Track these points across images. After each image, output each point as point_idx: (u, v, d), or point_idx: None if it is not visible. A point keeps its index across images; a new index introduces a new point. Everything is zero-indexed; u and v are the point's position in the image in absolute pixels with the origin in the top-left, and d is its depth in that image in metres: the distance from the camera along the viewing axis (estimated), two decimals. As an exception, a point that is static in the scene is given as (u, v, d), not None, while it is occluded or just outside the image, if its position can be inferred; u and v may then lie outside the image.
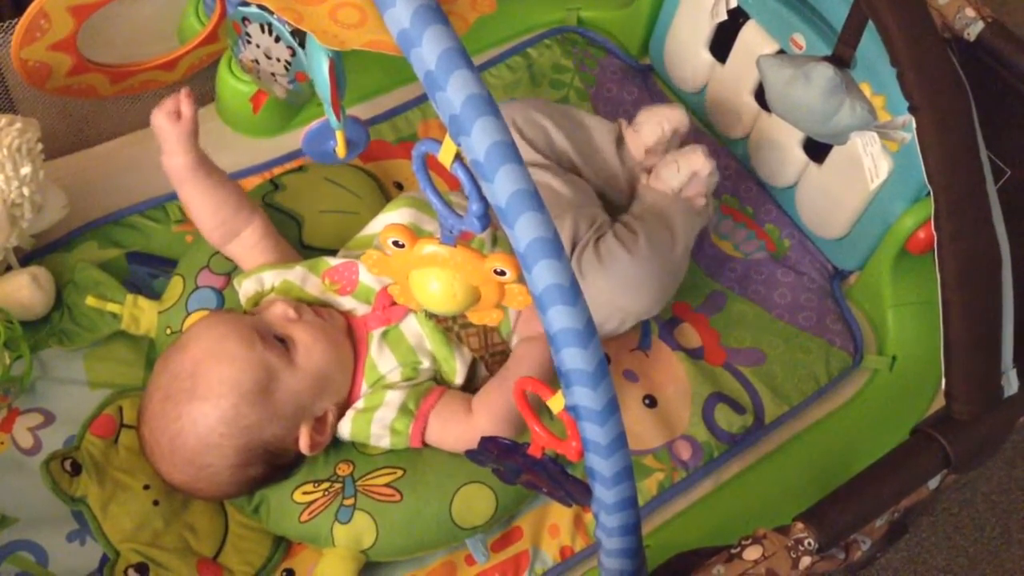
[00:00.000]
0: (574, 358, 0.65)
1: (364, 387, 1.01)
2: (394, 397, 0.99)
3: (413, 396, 0.99)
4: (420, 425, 0.99)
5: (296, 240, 1.13)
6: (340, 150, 1.02)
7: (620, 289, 1.07)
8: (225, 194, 1.05)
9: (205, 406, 0.93)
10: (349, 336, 1.02)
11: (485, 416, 0.98)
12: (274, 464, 0.97)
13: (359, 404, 1.00)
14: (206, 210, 1.05)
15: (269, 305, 1.00)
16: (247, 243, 1.06)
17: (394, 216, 1.08)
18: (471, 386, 1.05)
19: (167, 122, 1.01)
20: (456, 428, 0.99)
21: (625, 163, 1.19)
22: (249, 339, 0.95)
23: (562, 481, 0.78)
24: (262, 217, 1.07)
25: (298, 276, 1.04)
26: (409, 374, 1.01)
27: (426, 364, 1.01)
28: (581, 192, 1.14)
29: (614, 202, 1.19)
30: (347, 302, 1.04)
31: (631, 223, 1.12)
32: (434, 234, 0.79)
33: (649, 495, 1.06)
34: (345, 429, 1.00)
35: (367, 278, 1.03)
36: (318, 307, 1.02)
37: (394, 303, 1.02)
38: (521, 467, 0.78)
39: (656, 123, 1.17)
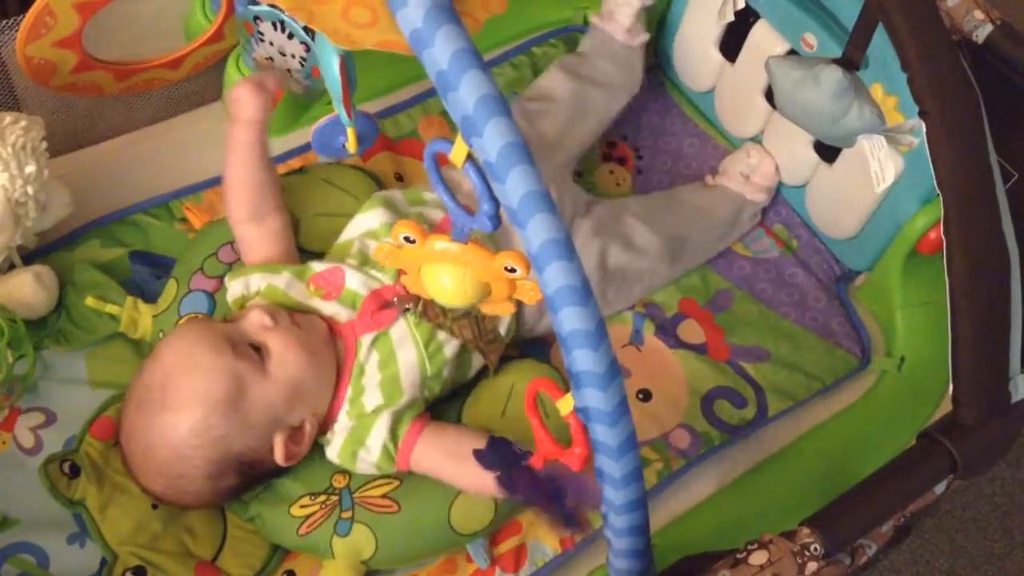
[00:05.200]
0: (585, 360, 0.66)
1: (349, 392, 0.99)
2: (375, 436, 0.97)
3: (392, 436, 0.97)
4: (404, 465, 0.98)
5: (293, 243, 1.12)
6: (351, 146, 1.02)
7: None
8: (271, 177, 1.08)
9: (175, 417, 0.92)
10: (331, 343, 1.01)
11: (468, 480, 0.96)
12: (250, 474, 0.97)
13: (340, 438, 0.98)
14: (250, 183, 1.06)
15: (246, 312, 0.99)
16: (267, 229, 1.06)
17: (369, 219, 1.08)
18: (464, 375, 1.06)
19: (251, 88, 1.04)
20: (439, 473, 0.98)
21: (613, 58, 1.30)
22: (219, 348, 0.94)
23: (553, 502, 0.78)
24: (287, 216, 1.09)
25: (283, 281, 1.03)
26: (388, 385, 0.99)
27: (405, 368, 0.99)
28: (562, 169, 1.22)
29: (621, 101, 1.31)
30: (331, 307, 1.03)
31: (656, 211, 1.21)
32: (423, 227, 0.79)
33: (649, 484, 1.05)
34: (334, 457, 0.99)
35: (353, 283, 1.02)
36: (297, 314, 1.01)
37: (383, 307, 1.01)
38: (518, 477, 0.78)
39: (625, 2, 1.29)
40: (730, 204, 1.26)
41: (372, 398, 0.99)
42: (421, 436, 0.98)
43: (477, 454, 0.83)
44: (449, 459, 0.97)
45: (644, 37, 1.32)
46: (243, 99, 1.04)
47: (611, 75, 1.30)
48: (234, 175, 1.06)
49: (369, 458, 0.97)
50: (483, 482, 0.91)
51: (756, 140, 1.30)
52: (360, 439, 0.97)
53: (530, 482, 0.77)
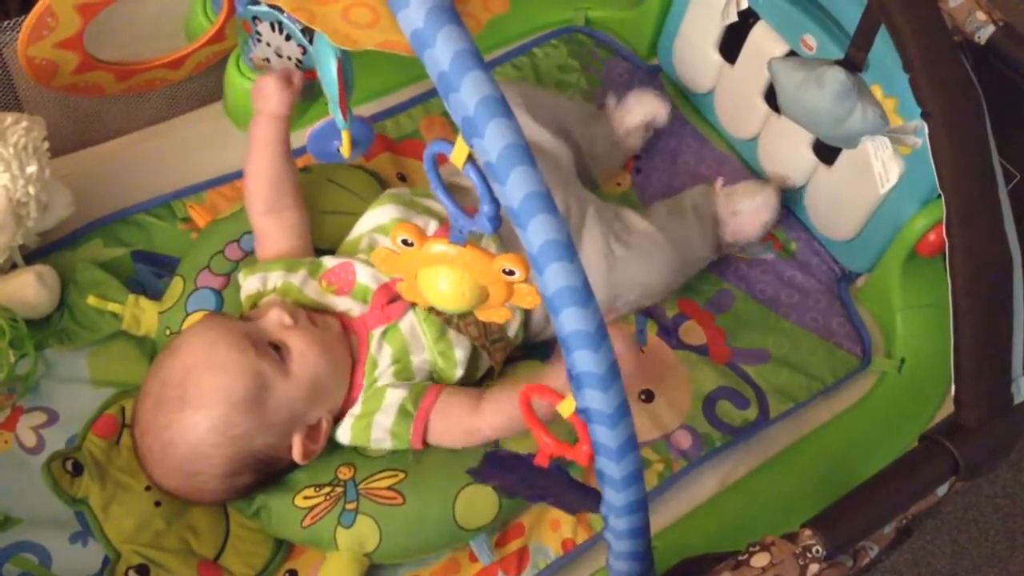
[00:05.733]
0: (585, 361, 0.65)
1: (363, 385, 1.00)
2: (391, 400, 0.98)
3: (411, 397, 0.98)
4: (420, 428, 0.98)
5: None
6: (345, 150, 1.02)
7: (646, 266, 1.13)
8: (291, 172, 1.09)
9: (196, 415, 0.92)
10: (346, 339, 1.01)
11: (490, 417, 0.98)
12: (265, 472, 0.97)
13: (356, 410, 0.99)
14: (270, 176, 1.07)
15: (265, 310, 0.99)
16: (284, 222, 1.07)
17: (379, 215, 1.08)
18: (472, 376, 1.05)
19: (278, 83, 1.05)
20: (459, 427, 0.99)
21: (605, 136, 1.28)
22: (240, 346, 0.94)
23: (569, 488, 0.78)
24: (305, 211, 1.10)
25: (299, 279, 1.04)
26: (403, 374, 1.00)
27: (418, 362, 1.01)
28: (568, 171, 1.19)
29: (592, 170, 1.27)
30: (344, 303, 1.03)
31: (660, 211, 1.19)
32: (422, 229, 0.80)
33: (650, 486, 1.05)
34: (345, 436, 0.99)
35: (364, 277, 1.03)
36: (314, 313, 1.01)
37: (392, 301, 1.01)
38: (526, 479, 0.78)
39: (642, 111, 1.29)
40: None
41: (384, 382, 1.00)
42: (440, 397, 0.99)
43: (472, 472, 0.81)
44: (469, 411, 0.98)
45: (635, 147, 1.31)
46: (268, 92, 1.05)
47: (598, 146, 1.28)
48: (253, 168, 1.07)
49: (385, 422, 0.98)
50: (504, 421, 0.95)
51: (754, 141, 1.30)
52: (375, 406, 0.98)
53: (537, 475, 0.77)
